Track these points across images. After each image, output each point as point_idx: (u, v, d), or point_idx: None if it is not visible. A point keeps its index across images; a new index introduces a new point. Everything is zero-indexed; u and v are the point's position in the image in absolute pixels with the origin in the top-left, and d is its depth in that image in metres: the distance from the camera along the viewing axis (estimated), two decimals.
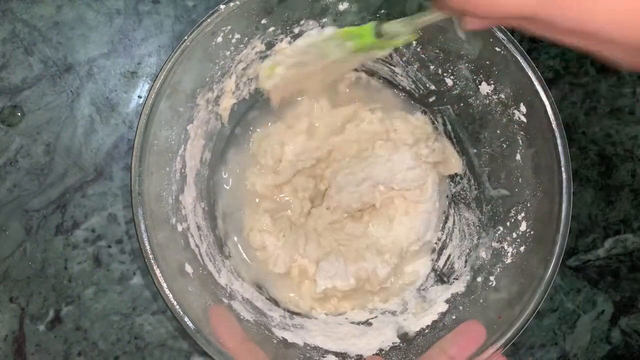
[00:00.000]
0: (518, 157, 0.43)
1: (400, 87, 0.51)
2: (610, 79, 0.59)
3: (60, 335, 0.51)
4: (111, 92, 0.54)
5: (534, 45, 0.58)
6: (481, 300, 0.43)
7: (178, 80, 0.40)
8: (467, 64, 0.44)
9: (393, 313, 0.48)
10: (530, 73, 0.40)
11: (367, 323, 0.47)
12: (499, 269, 0.43)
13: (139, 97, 0.54)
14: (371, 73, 0.51)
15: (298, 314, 0.48)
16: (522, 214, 0.43)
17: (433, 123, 0.52)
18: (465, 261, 0.48)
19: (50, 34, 0.54)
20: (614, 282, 0.56)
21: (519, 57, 0.40)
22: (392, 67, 0.49)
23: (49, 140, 0.53)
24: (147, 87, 0.54)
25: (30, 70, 0.53)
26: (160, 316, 0.52)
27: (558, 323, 0.55)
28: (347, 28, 0.42)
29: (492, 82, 0.44)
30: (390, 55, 0.48)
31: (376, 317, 0.48)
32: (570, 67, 0.58)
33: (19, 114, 0.53)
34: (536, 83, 0.40)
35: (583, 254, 0.56)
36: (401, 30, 0.38)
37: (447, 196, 0.52)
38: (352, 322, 0.48)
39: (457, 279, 0.47)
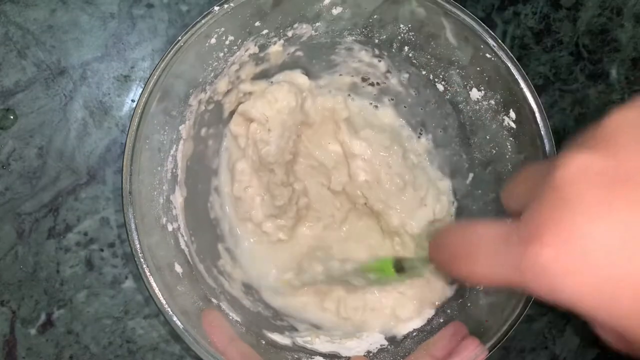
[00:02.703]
0: (508, 162, 0.44)
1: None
2: (600, 86, 0.59)
3: (51, 339, 0.51)
4: (104, 96, 0.54)
5: (524, 52, 0.59)
6: (469, 304, 0.44)
7: (171, 81, 0.40)
8: (458, 70, 0.45)
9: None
10: (519, 79, 0.41)
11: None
12: None
13: (132, 100, 0.54)
14: (364, 78, 0.51)
15: (287, 315, 0.48)
16: (511, 219, 0.43)
17: None
18: None
19: (44, 38, 0.54)
20: None
21: (509, 64, 0.41)
22: (386, 73, 0.50)
23: (41, 144, 0.53)
24: (140, 91, 0.54)
25: (24, 74, 0.53)
26: (152, 320, 0.52)
27: (548, 327, 0.56)
28: (369, 264, 0.44)
29: (482, 88, 0.44)
30: (383, 61, 0.49)
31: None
32: (560, 74, 0.59)
33: (12, 117, 0.53)
34: (525, 89, 0.41)
35: None
36: (420, 267, 0.39)
37: None
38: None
39: None
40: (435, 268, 0.32)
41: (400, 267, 0.40)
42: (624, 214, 0.19)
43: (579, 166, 0.20)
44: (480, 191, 0.48)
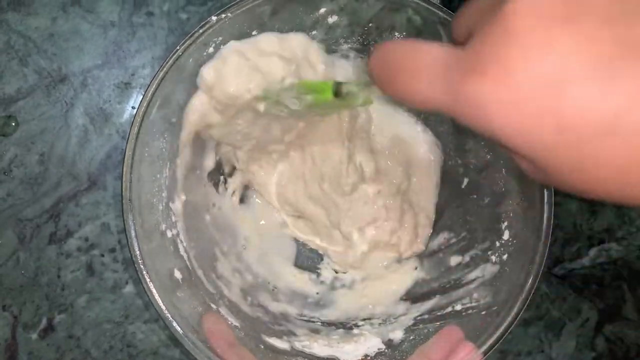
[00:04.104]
0: (502, 167, 0.45)
1: None
2: None
3: (52, 344, 0.51)
4: (105, 103, 0.55)
5: None
6: (464, 308, 0.44)
7: (170, 89, 0.41)
8: None
9: (378, 323, 0.49)
10: None
11: (354, 331, 0.48)
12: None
13: (133, 107, 0.55)
14: None
15: (285, 320, 0.48)
16: (506, 223, 0.44)
17: None
18: None
19: (45, 45, 0.55)
20: (598, 290, 0.57)
21: None
22: None
23: (43, 150, 0.53)
24: (140, 98, 0.55)
25: (25, 81, 0.54)
26: (153, 324, 0.52)
27: (544, 331, 0.56)
28: (306, 80, 0.41)
29: None
30: None
31: (363, 325, 0.49)
32: None
33: (13, 124, 0.53)
34: None
35: (568, 263, 0.57)
36: (358, 93, 0.36)
37: None
38: (339, 328, 0.48)
39: None
40: (374, 88, 0.28)
41: (339, 91, 0.36)
42: (564, 52, 0.19)
43: None
44: (475, 196, 0.48)
